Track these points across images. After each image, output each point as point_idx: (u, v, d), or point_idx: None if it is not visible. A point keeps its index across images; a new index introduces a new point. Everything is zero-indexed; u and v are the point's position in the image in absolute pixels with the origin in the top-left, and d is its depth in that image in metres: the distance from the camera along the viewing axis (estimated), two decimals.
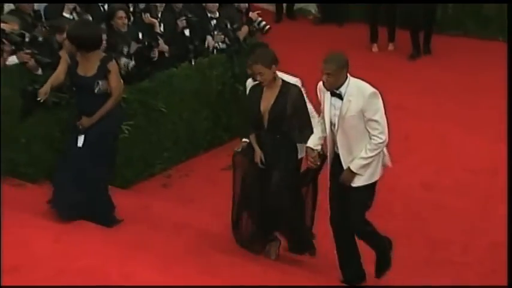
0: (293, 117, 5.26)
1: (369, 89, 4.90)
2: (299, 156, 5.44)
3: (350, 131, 4.92)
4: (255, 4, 11.60)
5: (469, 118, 8.12)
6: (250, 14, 8.24)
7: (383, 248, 5.22)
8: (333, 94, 4.92)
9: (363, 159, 4.89)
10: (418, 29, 10.05)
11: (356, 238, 5.17)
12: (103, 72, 5.57)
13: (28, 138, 6.29)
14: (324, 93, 5.00)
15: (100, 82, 5.55)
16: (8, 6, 7.49)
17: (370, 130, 4.86)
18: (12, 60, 6.36)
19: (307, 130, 5.27)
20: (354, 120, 4.88)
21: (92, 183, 5.62)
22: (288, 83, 5.38)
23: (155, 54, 7.32)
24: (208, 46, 7.80)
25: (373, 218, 6.28)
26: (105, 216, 5.67)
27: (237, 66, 7.93)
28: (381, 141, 4.88)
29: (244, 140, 5.62)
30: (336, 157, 5.06)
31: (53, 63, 6.33)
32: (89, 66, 5.59)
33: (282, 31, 10.66)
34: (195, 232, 5.79)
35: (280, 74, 5.34)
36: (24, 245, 4.90)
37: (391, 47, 10.39)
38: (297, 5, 11.84)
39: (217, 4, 8.04)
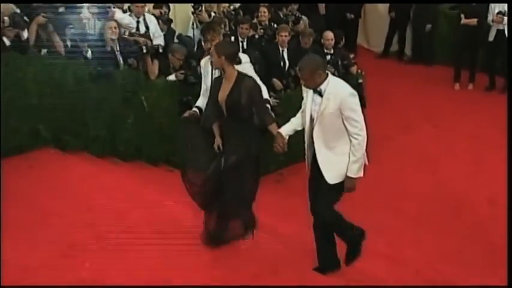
0: (249, 106, 4.71)
1: (347, 89, 4.40)
2: None
3: (327, 127, 4.40)
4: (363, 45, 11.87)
5: None
6: (351, 69, 8.24)
7: (351, 236, 4.68)
8: (314, 91, 4.43)
9: (355, 162, 4.39)
10: (496, 71, 9.90)
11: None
12: None
13: (180, 136, 6.65)
14: (306, 91, 4.54)
15: None
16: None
17: (349, 127, 4.36)
18: (172, 77, 6.80)
19: (265, 116, 4.79)
20: (331, 117, 4.35)
21: None
22: (244, 74, 4.79)
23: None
24: None
25: (441, 223, 6.30)
26: None
27: None
28: (361, 138, 4.38)
29: (194, 109, 5.20)
30: (314, 153, 4.53)
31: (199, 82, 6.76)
32: None
33: (380, 68, 10.77)
34: (301, 220, 5.68)
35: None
36: (174, 218, 5.26)
37: (470, 86, 10.20)
38: (394, 47, 11.86)
39: (333, 43, 8.21)
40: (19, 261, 4.51)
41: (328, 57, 8.13)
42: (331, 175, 4.43)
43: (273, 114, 5.12)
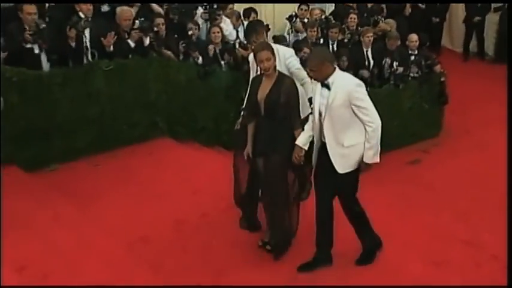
0: (286, 105, 4.24)
1: (353, 80, 4.02)
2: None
3: (336, 120, 3.98)
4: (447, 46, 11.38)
5: None
6: (435, 69, 7.90)
7: (369, 229, 4.36)
8: (322, 85, 4.03)
9: (370, 148, 4.00)
10: None
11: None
12: None
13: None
14: (315, 84, 4.12)
15: None
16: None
17: (361, 116, 3.94)
18: None
19: (295, 120, 4.30)
20: (340, 109, 3.94)
21: None
22: (284, 74, 4.38)
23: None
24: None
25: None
26: None
27: (424, 90, 7.82)
28: (375, 125, 3.97)
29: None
30: (323, 145, 4.11)
31: None
32: None
33: (463, 67, 10.29)
34: (382, 205, 5.59)
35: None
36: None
37: None
38: (475, 48, 11.24)
39: (417, 44, 7.94)
40: (139, 232, 4.75)
41: (413, 57, 7.89)
42: (342, 165, 4.05)
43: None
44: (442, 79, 7.86)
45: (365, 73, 7.28)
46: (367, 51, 7.78)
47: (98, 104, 6.10)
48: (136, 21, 6.31)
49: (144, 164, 5.97)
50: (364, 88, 4.00)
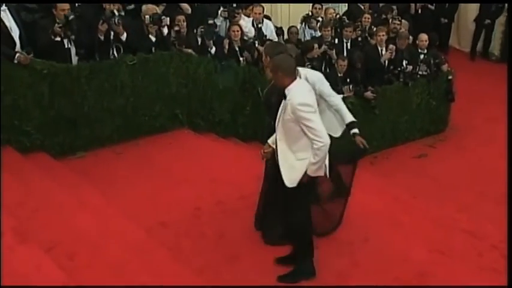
0: (277, 105, 3.87)
1: (299, 98, 3.62)
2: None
3: (287, 131, 3.74)
4: (455, 46, 11.23)
5: None
6: (442, 67, 7.82)
7: (305, 244, 4.03)
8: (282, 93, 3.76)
9: (313, 164, 3.69)
10: None
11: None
12: None
13: None
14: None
15: None
16: None
17: (308, 134, 3.65)
18: None
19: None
20: (289, 123, 3.68)
21: None
22: None
23: None
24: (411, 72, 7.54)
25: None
26: None
27: (432, 88, 7.74)
28: (321, 144, 3.63)
29: None
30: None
31: None
32: None
33: (470, 66, 10.14)
34: (389, 196, 5.64)
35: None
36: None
37: None
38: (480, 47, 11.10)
39: (426, 44, 7.88)
40: (158, 217, 4.76)
41: (422, 56, 7.82)
42: (290, 178, 3.78)
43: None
44: (450, 77, 7.81)
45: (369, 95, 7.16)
46: (381, 49, 7.67)
47: (122, 96, 6.13)
48: (147, 16, 6.28)
49: (164, 153, 6.00)
50: (310, 107, 3.65)
